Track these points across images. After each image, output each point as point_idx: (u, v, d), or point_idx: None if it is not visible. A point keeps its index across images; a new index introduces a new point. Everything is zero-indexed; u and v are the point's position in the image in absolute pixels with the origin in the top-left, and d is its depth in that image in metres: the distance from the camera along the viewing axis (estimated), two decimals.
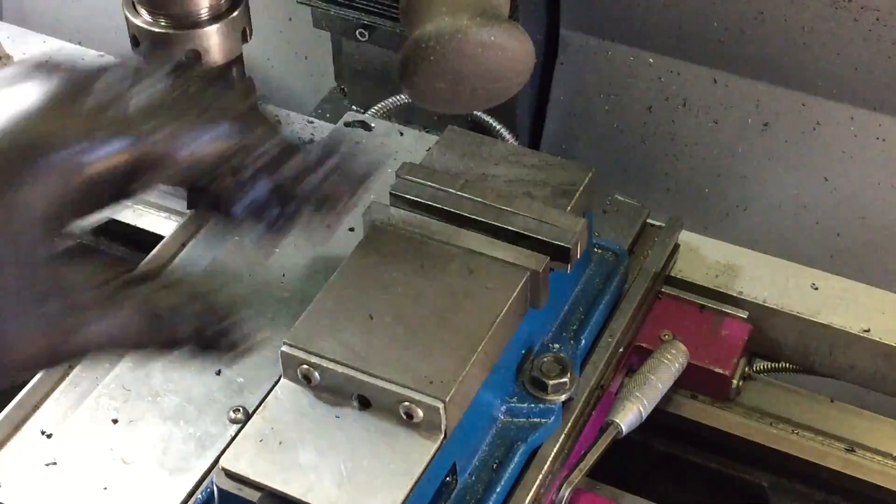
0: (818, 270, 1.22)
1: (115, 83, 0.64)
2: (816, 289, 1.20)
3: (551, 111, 1.44)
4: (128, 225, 1.38)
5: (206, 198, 0.71)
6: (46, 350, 0.65)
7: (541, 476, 0.98)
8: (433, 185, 0.99)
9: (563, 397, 1.00)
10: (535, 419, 0.99)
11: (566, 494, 1.01)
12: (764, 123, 1.32)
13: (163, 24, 0.95)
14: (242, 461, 0.88)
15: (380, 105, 1.38)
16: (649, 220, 1.20)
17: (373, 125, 1.26)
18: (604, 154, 1.42)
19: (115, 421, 1.02)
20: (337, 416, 0.90)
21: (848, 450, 1.14)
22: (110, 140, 0.64)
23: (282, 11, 1.53)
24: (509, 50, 0.78)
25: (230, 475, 0.89)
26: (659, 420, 1.12)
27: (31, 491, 1.00)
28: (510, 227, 0.97)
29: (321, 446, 0.88)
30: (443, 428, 0.88)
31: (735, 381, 1.15)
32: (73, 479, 1.00)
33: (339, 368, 0.89)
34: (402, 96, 1.36)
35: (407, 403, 0.88)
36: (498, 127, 1.33)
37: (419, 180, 1.00)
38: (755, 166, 1.35)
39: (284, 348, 0.91)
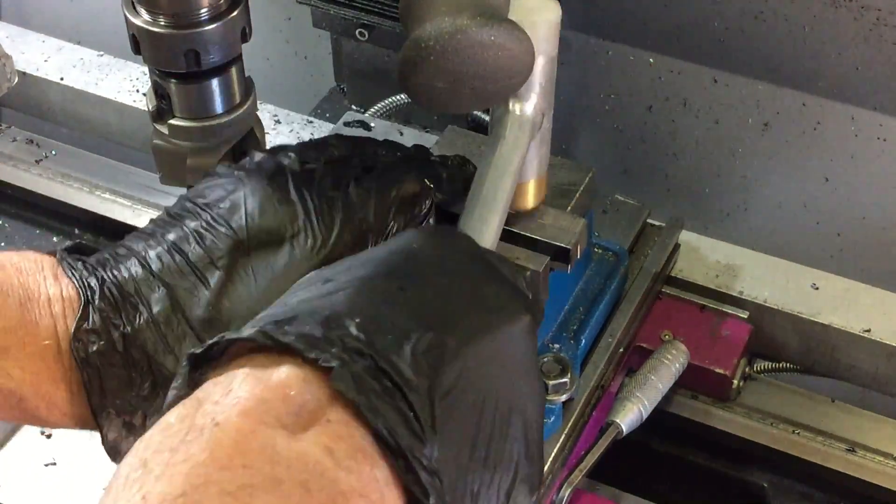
0: (819, 270, 1.22)
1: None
2: (817, 289, 1.20)
3: None
4: (127, 225, 1.38)
5: None
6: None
7: None
8: None
9: (564, 397, 1.00)
10: None
11: (566, 494, 1.01)
12: (764, 123, 1.31)
13: (162, 23, 0.95)
14: None
15: (380, 105, 1.38)
16: (649, 220, 1.20)
17: (372, 125, 1.26)
18: (604, 154, 1.42)
19: None
20: None
21: (848, 450, 1.14)
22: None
23: (282, 11, 1.52)
24: (509, 50, 0.78)
25: None
26: (659, 420, 1.12)
27: (30, 491, 1.00)
28: (510, 228, 0.96)
29: None
30: None
31: (735, 382, 1.15)
32: (72, 479, 1.00)
33: None
34: (402, 96, 1.36)
35: None
36: None
37: None
38: (755, 166, 1.35)
39: None
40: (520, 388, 0.70)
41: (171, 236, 0.82)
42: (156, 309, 0.80)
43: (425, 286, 0.68)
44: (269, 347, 0.63)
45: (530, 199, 0.93)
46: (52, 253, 0.83)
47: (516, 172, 0.86)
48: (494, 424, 0.67)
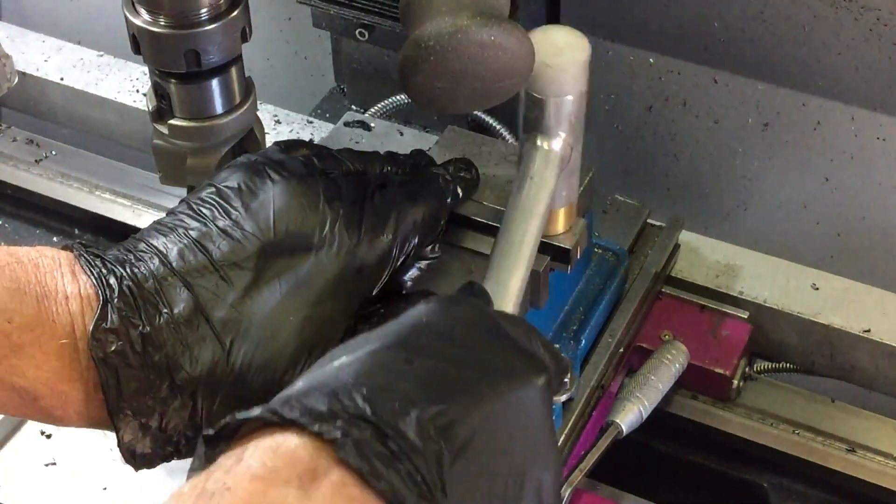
0: (819, 270, 1.21)
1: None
2: (817, 289, 1.20)
3: None
4: (127, 225, 1.38)
5: None
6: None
7: None
8: None
9: (563, 397, 0.99)
10: None
11: (566, 494, 1.01)
12: (764, 123, 1.31)
13: (162, 23, 0.95)
14: None
15: (380, 105, 1.38)
16: (649, 220, 1.20)
17: (372, 125, 1.26)
18: (604, 154, 1.42)
19: None
20: None
21: (848, 450, 1.14)
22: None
23: (282, 11, 1.52)
24: (509, 50, 0.78)
25: None
26: (659, 420, 1.12)
27: (30, 491, 1.00)
28: None
29: None
30: None
31: (736, 382, 1.15)
32: (72, 479, 1.00)
33: None
34: (402, 96, 1.36)
35: None
36: (498, 127, 1.32)
37: None
38: (755, 166, 1.35)
39: None
40: (533, 452, 0.69)
41: (194, 233, 0.81)
42: (176, 309, 0.79)
43: (433, 357, 0.68)
44: (277, 423, 0.63)
45: (560, 225, 0.94)
46: (69, 248, 0.81)
47: (544, 214, 0.87)
48: (507, 490, 0.67)
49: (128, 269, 0.80)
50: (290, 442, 0.61)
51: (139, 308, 0.78)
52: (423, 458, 0.62)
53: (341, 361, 0.67)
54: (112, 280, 0.79)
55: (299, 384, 0.66)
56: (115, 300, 0.78)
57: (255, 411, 0.63)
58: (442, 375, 0.67)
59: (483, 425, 0.66)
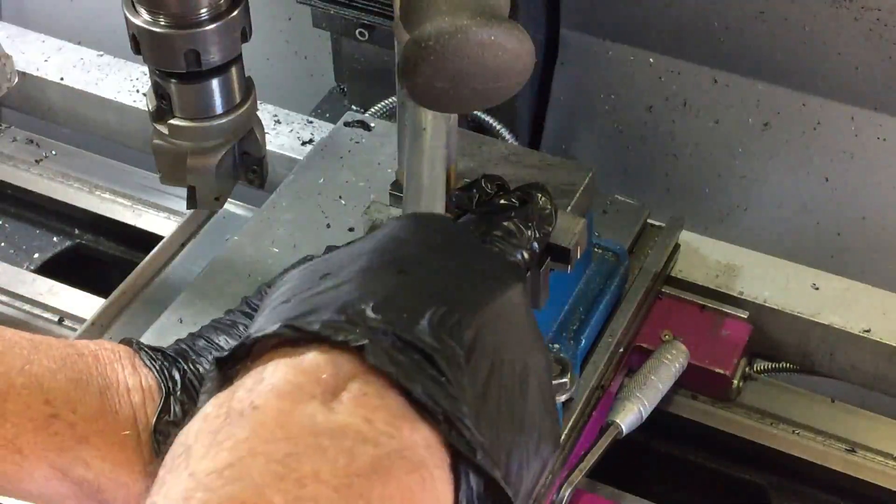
0: (819, 270, 1.21)
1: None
2: (817, 289, 1.20)
3: (551, 111, 1.44)
4: (127, 225, 1.38)
5: None
6: None
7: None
8: None
9: (564, 398, 1.00)
10: None
11: (566, 494, 1.01)
12: (764, 123, 1.31)
13: (162, 23, 0.95)
14: None
15: (380, 105, 1.38)
16: (649, 220, 1.20)
17: (372, 125, 1.26)
18: (604, 154, 1.42)
19: None
20: None
21: (848, 450, 1.14)
22: None
23: (282, 11, 1.52)
24: (509, 50, 0.78)
25: None
26: (659, 420, 1.12)
27: None
28: None
29: None
30: None
31: (735, 382, 1.15)
32: None
33: None
34: None
35: None
36: (498, 127, 1.33)
37: None
38: (755, 166, 1.35)
39: None
40: (528, 347, 0.72)
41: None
42: None
43: (422, 267, 0.70)
44: (293, 341, 0.64)
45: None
46: (127, 342, 0.82)
47: (445, 157, 0.88)
48: (514, 386, 0.69)
49: (189, 365, 0.81)
50: (310, 356, 0.62)
51: None
52: (445, 359, 0.64)
53: (330, 282, 0.68)
54: (175, 373, 0.80)
55: (291, 304, 0.67)
56: (178, 393, 0.79)
57: (272, 328, 0.64)
58: (435, 284, 0.69)
59: (483, 327, 0.68)
